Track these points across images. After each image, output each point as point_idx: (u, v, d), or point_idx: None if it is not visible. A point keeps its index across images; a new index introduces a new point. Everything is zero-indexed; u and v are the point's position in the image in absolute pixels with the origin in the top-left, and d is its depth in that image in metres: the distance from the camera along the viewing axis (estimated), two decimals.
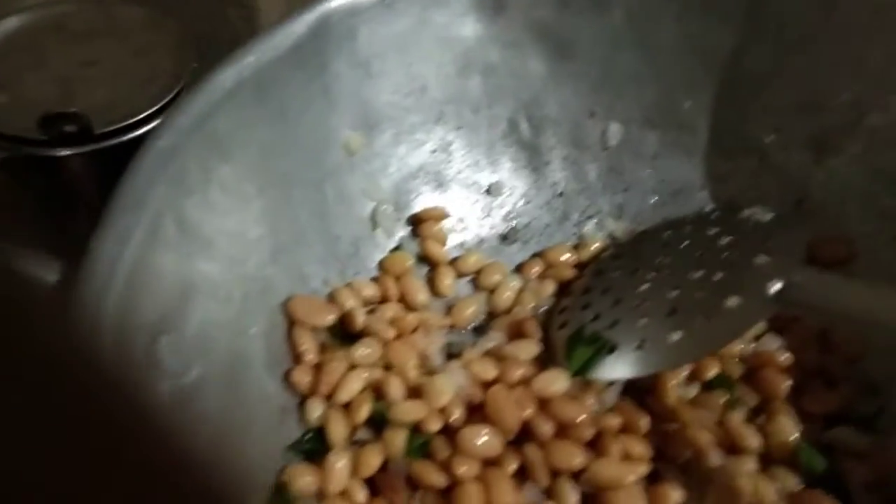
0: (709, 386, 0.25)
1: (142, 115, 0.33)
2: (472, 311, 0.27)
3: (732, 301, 0.23)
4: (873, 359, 0.26)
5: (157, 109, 0.33)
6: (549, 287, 0.28)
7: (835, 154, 0.29)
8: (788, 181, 0.29)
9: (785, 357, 0.26)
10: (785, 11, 0.28)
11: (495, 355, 0.25)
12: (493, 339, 0.26)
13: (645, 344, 0.23)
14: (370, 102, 0.27)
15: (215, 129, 0.22)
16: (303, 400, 0.23)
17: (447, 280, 0.28)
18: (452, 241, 0.30)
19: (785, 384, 0.25)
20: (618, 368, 0.23)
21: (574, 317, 0.26)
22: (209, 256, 0.21)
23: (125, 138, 0.33)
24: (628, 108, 0.31)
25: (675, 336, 0.23)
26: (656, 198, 0.31)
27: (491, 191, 0.30)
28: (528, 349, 0.25)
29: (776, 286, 0.22)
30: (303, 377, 0.23)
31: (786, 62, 0.29)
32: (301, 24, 0.24)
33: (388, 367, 0.24)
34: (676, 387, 0.24)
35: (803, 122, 0.29)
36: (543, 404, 0.23)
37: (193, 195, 0.21)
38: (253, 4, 0.42)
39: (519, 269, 0.29)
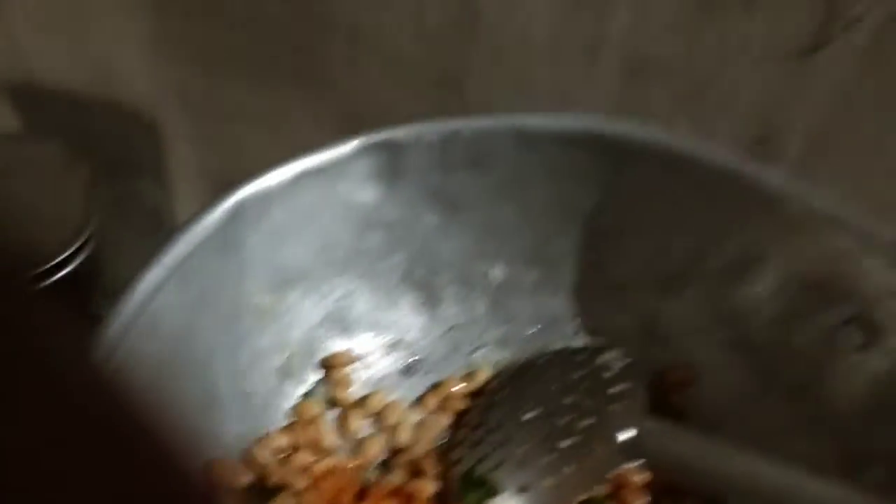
0: None
1: (53, 263, 0.34)
2: (376, 449, 0.30)
3: (595, 449, 0.27)
4: None
5: (70, 255, 0.35)
6: (444, 420, 0.32)
7: (677, 295, 0.34)
8: (642, 315, 0.35)
9: (642, 476, 0.30)
10: (632, 181, 0.33)
11: (397, 496, 0.28)
12: (396, 476, 0.29)
13: (525, 490, 0.27)
14: (282, 268, 0.30)
15: (145, 324, 0.24)
16: None
17: (355, 422, 0.31)
18: (358, 378, 0.33)
19: (641, 503, 0.30)
20: None
21: (466, 454, 0.30)
22: None
23: (38, 287, 0.34)
24: (509, 251, 0.35)
25: (549, 482, 0.27)
26: (535, 328, 0.36)
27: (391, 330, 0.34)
28: (426, 488, 0.29)
29: (623, 436, 0.27)
30: None
31: (635, 218, 0.34)
32: (218, 212, 0.27)
33: None
34: None
35: (651, 268, 0.35)
36: None
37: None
38: (160, 131, 0.44)
39: (420, 400, 0.33)
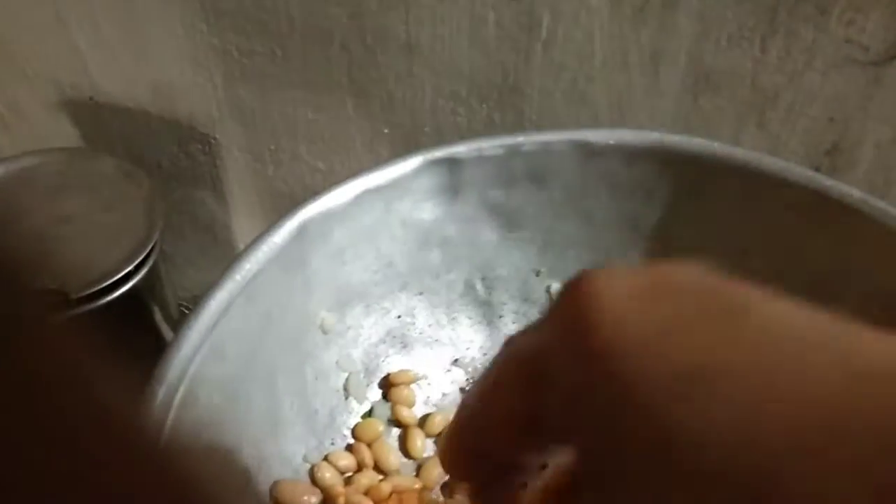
0: None
1: (118, 276, 0.35)
2: (439, 471, 0.30)
3: None
4: None
5: (133, 268, 0.35)
6: None
7: None
8: None
9: None
10: (701, 197, 0.32)
11: None
12: (459, 501, 0.29)
13: None
14: (344, 285, 0.30)
15: (212, 346, 0.24)
16: None
17: (418, 442, 0.30)
18: (419, 397, 0.32)
19: None
20: None
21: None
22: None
23: (102, 301, 0.35)
24: (569, 267, 0.35)
25: None
26: None
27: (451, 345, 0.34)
28: None
29: None
30: None
31: (705, 235, 0.33)
32: (282, 233, 0.26)
33: None
34: None
35: None
36: None
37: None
38: (211, 140, 0.44)
39: None
